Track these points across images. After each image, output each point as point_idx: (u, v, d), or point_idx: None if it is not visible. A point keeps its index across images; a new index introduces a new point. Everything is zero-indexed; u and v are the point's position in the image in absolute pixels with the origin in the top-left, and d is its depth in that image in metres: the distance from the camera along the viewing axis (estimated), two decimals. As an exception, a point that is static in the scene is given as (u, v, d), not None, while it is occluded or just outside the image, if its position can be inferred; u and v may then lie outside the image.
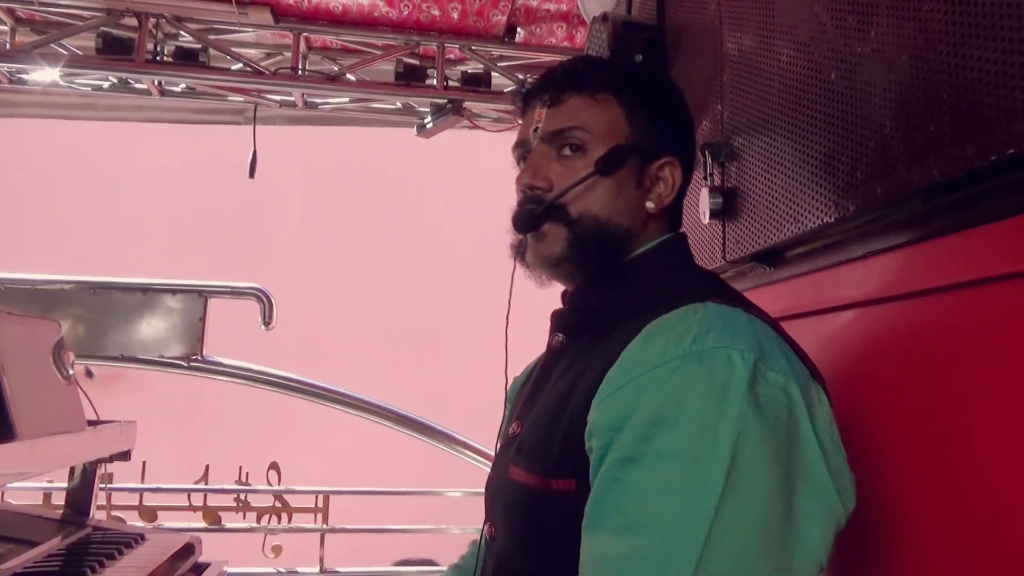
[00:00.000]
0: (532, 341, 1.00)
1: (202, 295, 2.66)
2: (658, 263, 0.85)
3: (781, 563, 0.64)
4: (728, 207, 1.14)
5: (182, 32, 2.58)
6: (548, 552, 0.76)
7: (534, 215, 0.83)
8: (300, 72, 2.63)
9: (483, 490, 0.98)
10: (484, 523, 0.92)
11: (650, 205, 0.84)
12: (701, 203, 1.17)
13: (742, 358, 0.67)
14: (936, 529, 0.73)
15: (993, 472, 0.66)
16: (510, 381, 1.00)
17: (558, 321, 0.92)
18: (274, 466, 3.32)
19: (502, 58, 2.77)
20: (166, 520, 3.07)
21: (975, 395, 0.68)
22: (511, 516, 0.82)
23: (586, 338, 0.85)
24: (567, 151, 0.83)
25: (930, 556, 0.74)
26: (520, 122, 0.92)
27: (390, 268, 5.84)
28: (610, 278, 0.84)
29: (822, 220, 0.88)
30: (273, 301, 2.68)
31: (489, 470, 0.97)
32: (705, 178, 1.18)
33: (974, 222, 0.69)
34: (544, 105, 0.85)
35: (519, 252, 0.86)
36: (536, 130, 0.85)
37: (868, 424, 0.84)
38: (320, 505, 3.11)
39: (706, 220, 1.16)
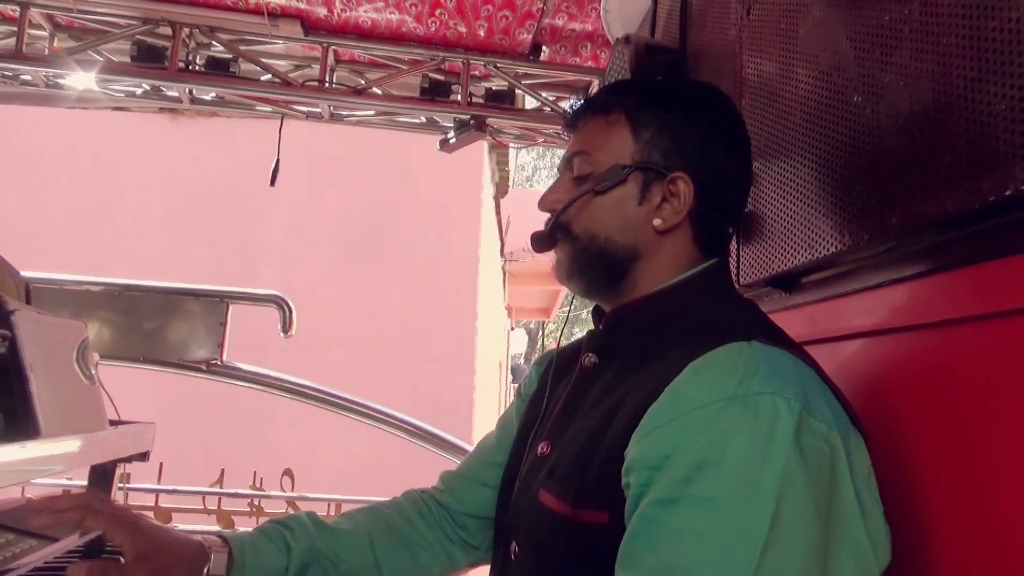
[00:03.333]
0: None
1: (223, 300, 2.69)
2: (698, 291, 0.83)
3: None
4: (743, 231, 1.15)
5: (214, 42, 2.64)
6: None
7: (542, 235, 0.89)
8: (327, 84, 2.67)
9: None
10: (505, 539, 0.91)
11: (657, 222, 0.83)
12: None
13: (788, 406, 0.65)
14: (959, 562, 0.73)
15: (1012, 507, 0.66)
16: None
17: (591, 340, 0.91)
18: (288, 473, 3.36)
19: (527, 76, 2.80)
20: (180, 522, 3.11)
21: (994, 428, 0.68)
22: (539, 542, 0.81)
23: (622, 362, 0.83)
24: (577, 174, 0.87)
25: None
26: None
27: (386, 270, 5.84)
28: (648, 302, 0.84)
29: (836, 248, 0.89)
30: (293, 309, 2.71)
31: (501, 479, 0.98)
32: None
33: (992, 255, 0.69)
34: (571, 131, 0.90)
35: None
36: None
37: (881, 455, 0.84)
38: (332, 513, 3.13)
39: None
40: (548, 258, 0.91)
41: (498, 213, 10.08)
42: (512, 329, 16.75)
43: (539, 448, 0.88)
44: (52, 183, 5.71)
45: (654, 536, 0.65)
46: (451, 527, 1.03)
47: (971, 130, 0.68)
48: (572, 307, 1.00)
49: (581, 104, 0.90)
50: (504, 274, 11.29)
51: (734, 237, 1.17)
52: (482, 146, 5.79)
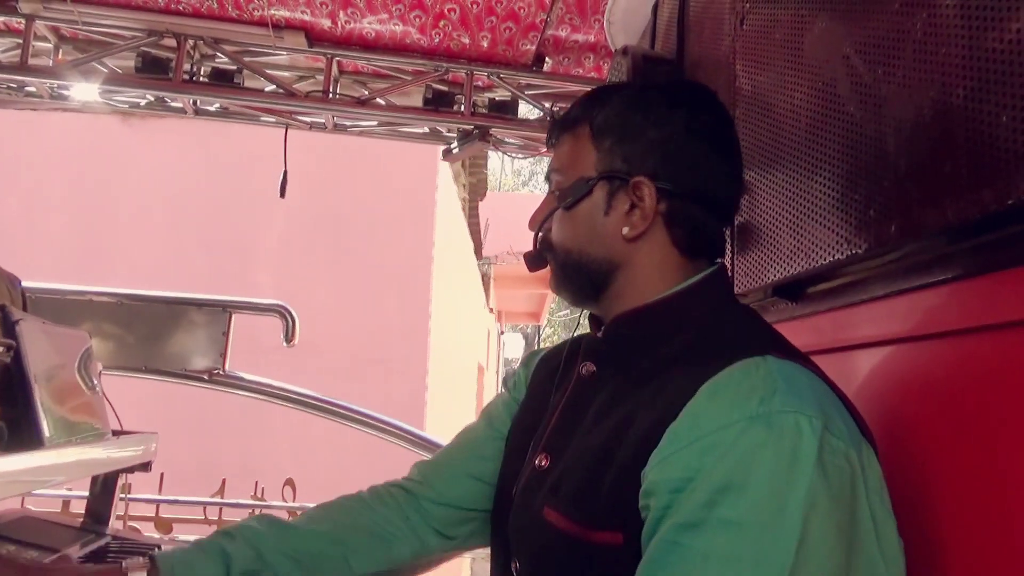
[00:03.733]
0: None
1: (226, 310, 2.70)
2: (699, 301, 0.82)
3: None
4: (738, 241, 1.15)
5: (219, 54, 2.65)
6: None
7: (532, 254, 0.91)
8: (331, 95, 2.69)
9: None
10: (504, 555, 0.89)
11: (625, 231, 0.82)
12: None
13: (811, 425, 0.64)
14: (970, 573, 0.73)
15: (1016, 515, 0.66)
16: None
17: (589, 349, 0.90)
18: (289, 482, 3.35)
19: (529, 86, 2.81)
20: (181, 532, 3.10)
21: (1003, 439, 0.68)
22: (544, 560, 0.80)
23: (624, 374, 0.82)
24: (554, 191, 0.88)
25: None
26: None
27: (335, 270, 5.81)
28: (648, 312, 0.82)
29: (834, 257, 0.88)
30: (296, 318, 2.71)
31: (496, 488, 0.95)
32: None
33: (996, 266, 0.69)
34: (550, 149, 0.92)
35: None
36: None
37: (887, 466, 0.83)
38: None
39: None
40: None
41: (476, 215, 10.06)
42: (502, 332, 16.74)
43: (538, 460, 0.86)
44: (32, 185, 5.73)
45: (677, 560, 0.63)
46: (420, 516, 0.99)
47: (972, 140, 0.68)
48: (581, 313, 0.99)
49: (554, 122, 0.91)
50: (487, 277, 11.25)
51: (726, 243, 1.17)
52: (436, 148, 5.85)
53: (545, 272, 0.92)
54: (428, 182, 6.01)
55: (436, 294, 5.98)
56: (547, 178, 0.90)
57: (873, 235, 0.82)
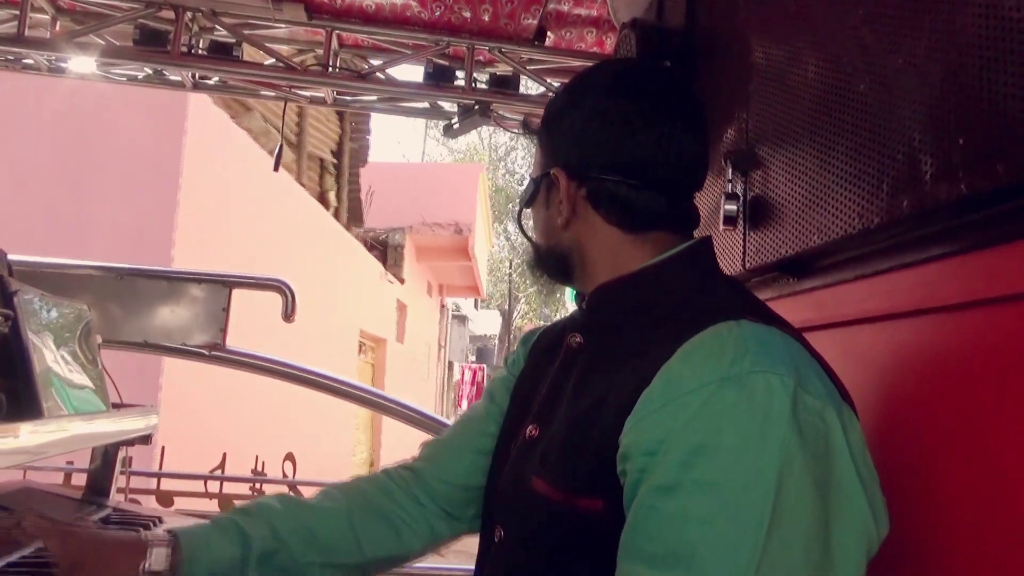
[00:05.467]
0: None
1: (226, 285, 2.69)
2: (680, 271, 0.83)
3: None
4: (751, 216, 1.14)
5: (217, 26, 2.61)
6: (567, 569, 0.76)
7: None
8: (331, 69, 2.65)
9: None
10: (490, 524, 0.91)
11: (559, 220, 0.87)
12: (720, 210, 1.17)
13: (782, 383, 0.65)
14: (969, 550, 0.73)
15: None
16: None
17: (574, 321, 0.93)
18: (290, 457, 3.37)
19: (531, 61, 2.77)
20: (182, 506, 3.12)
21: (1008, 412, 0.68)
22: (529, 527, 0.81)
23: (608, 343, 0.84)
24: None
25: None
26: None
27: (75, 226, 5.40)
28: (629, 281, 0.84)
29: (846, 231, 0.88)
30: (295, 293, 2.70)
31: (493, 458, 0.97)
32: (725, 186, 1.19)
33: (1005, 238, 0.69)
34: None
35: None
36: None
37: (891, 440, 0.83)
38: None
39: (721, 227, 1.16)
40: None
41: (356, 182, 10.10)
42: (443, 306, 16.74)
43: (528, 430, 0.88)
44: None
45: (655, 524, 0.65)
46: (430, 498, 1.01)
47: (987, 112, 0.67)
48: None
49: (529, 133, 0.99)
50: (400, 247, 11.17)
51: (735, 221, 1.16)
52: (184, 104, 5.25)
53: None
54: (173, 137, 5.40)
55: (187, 255, 5.31)
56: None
57: (885, 209, 0.81)
